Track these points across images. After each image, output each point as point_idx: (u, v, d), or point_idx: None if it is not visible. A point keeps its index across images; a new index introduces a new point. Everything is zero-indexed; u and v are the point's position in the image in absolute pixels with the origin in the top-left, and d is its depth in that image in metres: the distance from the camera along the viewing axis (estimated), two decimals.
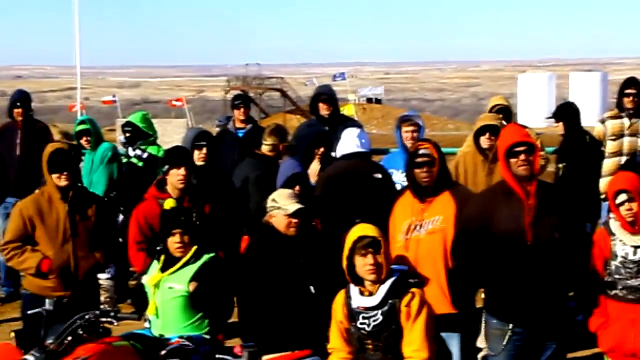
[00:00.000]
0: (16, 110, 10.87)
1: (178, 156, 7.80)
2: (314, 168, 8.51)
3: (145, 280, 6.85)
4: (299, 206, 6.79)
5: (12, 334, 6.12)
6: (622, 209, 6.46)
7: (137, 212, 7.81)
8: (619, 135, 9.76)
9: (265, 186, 8.00)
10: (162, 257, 6.74)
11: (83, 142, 10.31)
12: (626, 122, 9.76)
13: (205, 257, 6.74)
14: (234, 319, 6.98)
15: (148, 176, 9.47)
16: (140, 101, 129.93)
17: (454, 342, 6.80)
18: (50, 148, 7.33)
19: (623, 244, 6.52)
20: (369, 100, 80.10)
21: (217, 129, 11.40)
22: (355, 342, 6.18)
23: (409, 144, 8.44)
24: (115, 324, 5.96)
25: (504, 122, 8.63)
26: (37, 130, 10.81)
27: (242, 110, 10.66)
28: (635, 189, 6.46)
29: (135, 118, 10.53)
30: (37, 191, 7.63)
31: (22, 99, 11.01)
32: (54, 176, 7.21)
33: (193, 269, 6.68)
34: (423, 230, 6.81)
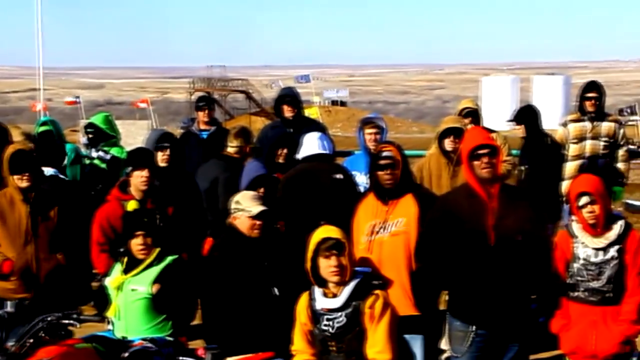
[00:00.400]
0: None
1: (141, 157, 7.77)
2: None
3: (107, 282, 6.81)
4: (262, 208, 6.79)
5: None
6: (584, 211, 6.49)
7: (99, 214, 7.77)
8: (581, 138, 9.83)
9: (235, 187, 8.01)
10: (125, 259, 6.71)
11: None
12: (587, 125, 9.84)
13: (169, 259, 6.72)
14: (197, 320, 6.96)
15: (111, 177, 9.42)
16: (103, 102, 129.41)
17: (416, 344, 6.80)
18: (10, 149, 7.28)
19: (584, 246, 6.55)
20: (334, 103, 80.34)
21: (181, 131, 11.38)
22: (319, 344, 6.18)
23: (371, 146, 8.47)
24: (78, 325, 5.93)
25: (469, 125, 8.68)
26: None
27: (206, 111, 10.63)
28: (597, 191, 6.50)
29: (97, 119, 10.47)
30: None
31: None
32: (15, 177, 7.16)
33: (156, 270, 6.65)
34: (386, 232, 6.81)
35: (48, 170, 8.78)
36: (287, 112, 9.93)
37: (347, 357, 6.11)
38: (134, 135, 27.30)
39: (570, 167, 9.80)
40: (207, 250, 7.62)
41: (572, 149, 9.86)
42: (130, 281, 6.64)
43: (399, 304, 6.47)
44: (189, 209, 8.24)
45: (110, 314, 6.67)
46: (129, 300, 6.61)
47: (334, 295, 6.13)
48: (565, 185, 9.47)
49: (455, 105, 10.48)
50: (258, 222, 6.77)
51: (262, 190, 7.55)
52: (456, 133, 8.30)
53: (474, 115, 9.47)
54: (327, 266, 6.09)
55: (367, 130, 8.70)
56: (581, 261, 6.56)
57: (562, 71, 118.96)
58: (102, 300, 6.71)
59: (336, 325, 6.09)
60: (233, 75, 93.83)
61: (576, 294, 6.60)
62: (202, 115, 10.64)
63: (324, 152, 8.08)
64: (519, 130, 9.91)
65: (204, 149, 9.97)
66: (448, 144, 8.43)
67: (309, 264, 6.16)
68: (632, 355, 6.65)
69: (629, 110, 46.55)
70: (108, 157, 10.11)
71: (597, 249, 6.53)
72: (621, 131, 9.98)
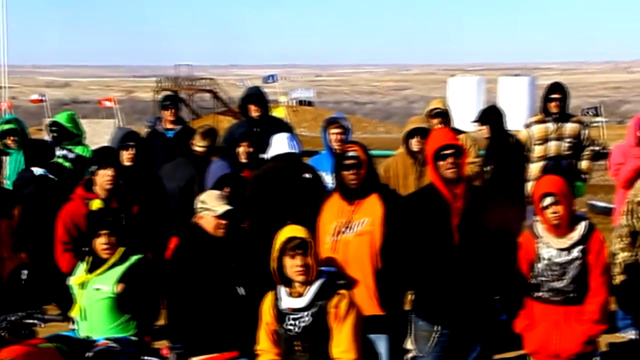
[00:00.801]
0: None
1: (106, 156, 7.75)
2: None
3: (71, 281, 6.77)
4: (227, 207, 6.77)
5: None
6: (548, 212, 6.53)
7: (63, 212, 7.73)
8: (545, 140, 9.89)
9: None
10: (89, 258, 6.67)
11: (9, 141, 10.16)
12: (551, 126, 9.90)
13: (133, 258, 6.69)
14: (162, 320, 6.93)
15: (75, 176, 9.36)
16: (69, 101, 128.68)
17: (381, 344, 6.82)
18: None
19: (548, 246, 6.59)
20: (300, 102, 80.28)
21: (147, 130, 11.36)
22: (283, 343, 6.18)
23: (335, 146, 8.48)
24: (41, 325, 5.89)
25: (438, 126, 8.70)
26: None
27: (171, 110, 10.61)
28: (561, 192, 6.53)
29: (61, 118, 10.40)
30: None
31: None
32: None
33: (120, 270, 6.62)
34: (351, 231, 6.81)
35: (37, 170, 8.74)
36: (254, 111, 9.92)
37: (312, 357, 6.11)
38: (100, 134, 27.17)
39: (534, 168, 9.86)
40: (171, 249, 7.59)
41: (537, 150, 9.91)
42: (94, 280, 6.60)
43: (364, 304, 6.48)
44: (154, 208, 8.21)
45: (74, 313, 6.63)
46: (93, 299, 6.58)
47: (299, 295, 6.13)
48: (529, 186, 9.52)
49: (423, 105, 10.48)
50: (223, 222, 6.75)
51: (227, 189, 7.54)
52: (422, 133, 8.30)
53: (443, 115, 9.46)
54: (293, 266, 6.10)
55: (332, 130, 8.70)
56: (545, 261, 6.59)
57: (528, 72, 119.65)
58: (65, 300, 6.67)
59: (301, 324, 6.10)
60: (200, 75, 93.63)
61: (540, 294, 6.64)
62: (167, 114, 10.61)
63: (293, 151, 8.09)
64: (484, 131, 9.96)
65: (169, 148, 9.94)
66: (414, 144, 8.45)
67: (274, 264, 6.16)
68: (595, 354, 6.70)
69: (593, 112, 46.77)
70: (72, 155, 10.06)
71: (561, 250, 6.57)
72: (585, 132, 10.05)
